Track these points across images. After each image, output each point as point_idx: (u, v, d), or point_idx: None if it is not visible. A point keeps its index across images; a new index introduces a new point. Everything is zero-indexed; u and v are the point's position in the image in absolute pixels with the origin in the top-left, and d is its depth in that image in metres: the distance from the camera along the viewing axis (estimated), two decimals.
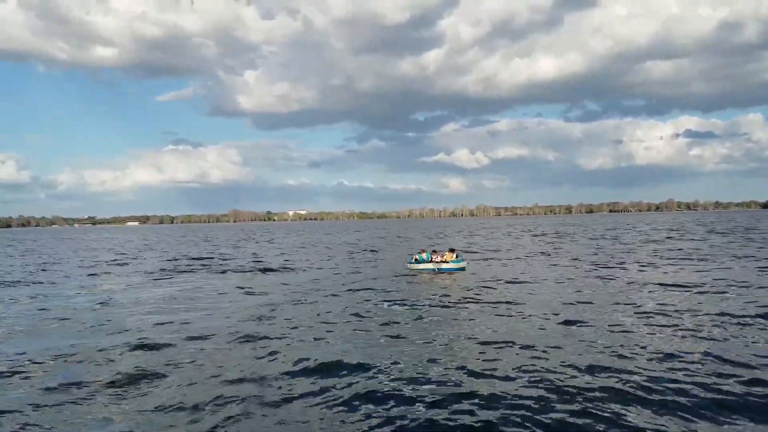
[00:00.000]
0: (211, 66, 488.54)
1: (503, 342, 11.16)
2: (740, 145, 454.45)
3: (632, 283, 19.68)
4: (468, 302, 16.29)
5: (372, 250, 43.21)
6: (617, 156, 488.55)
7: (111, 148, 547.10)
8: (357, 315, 14.57)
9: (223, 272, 27.89)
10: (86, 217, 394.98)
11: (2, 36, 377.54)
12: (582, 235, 61.27)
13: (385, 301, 16.95)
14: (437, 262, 24.90)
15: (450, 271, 24.47)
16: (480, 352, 10.47)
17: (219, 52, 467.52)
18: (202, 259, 37.27)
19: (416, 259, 25.94)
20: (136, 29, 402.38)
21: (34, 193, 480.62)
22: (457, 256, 26.37)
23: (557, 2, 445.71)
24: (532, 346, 10.70)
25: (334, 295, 18.47)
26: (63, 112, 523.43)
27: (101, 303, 17.82)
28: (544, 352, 10.33)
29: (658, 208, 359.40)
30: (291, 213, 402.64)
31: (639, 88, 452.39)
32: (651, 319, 13.06)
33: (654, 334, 11.50)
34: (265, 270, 28.39)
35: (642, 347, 10.44)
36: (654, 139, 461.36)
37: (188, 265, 32.65)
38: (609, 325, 12.38)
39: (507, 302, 16.09)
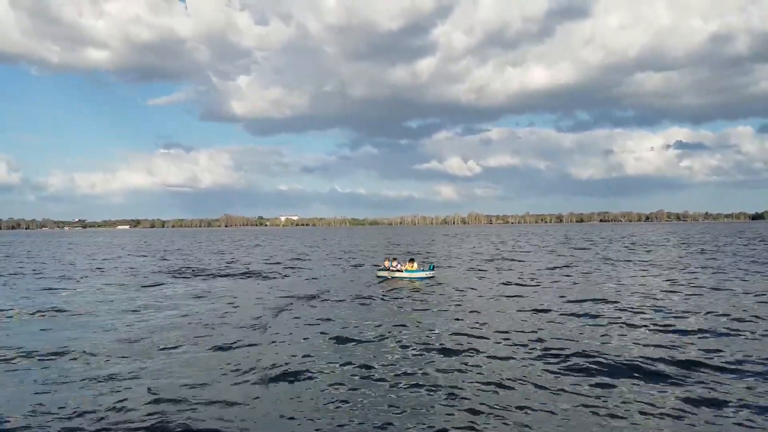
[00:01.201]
0: (204, 70, 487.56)
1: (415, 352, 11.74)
2: (730, 157, 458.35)
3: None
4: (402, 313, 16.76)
5: (353, 257, 43.81)
6: (608, 166, 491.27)
7: (102, 150, 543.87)
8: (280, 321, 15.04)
9: (188, 277, 28.33)
10: (77, 220, 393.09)
11: None
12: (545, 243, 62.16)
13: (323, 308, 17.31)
14: (391, 270, 25.84)
15: (411, 280, 25.04)
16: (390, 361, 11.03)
17: (212, 57, 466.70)
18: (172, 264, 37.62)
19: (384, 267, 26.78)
20: (129, 32, 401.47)
21: (25, 195, 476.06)
22: (432, 267, 26.92)
23: (550, 13, 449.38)
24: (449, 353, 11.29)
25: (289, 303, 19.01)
26: (54, 114, 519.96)
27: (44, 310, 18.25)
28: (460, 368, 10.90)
29: (648, 218, 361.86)
30: (283, 218, 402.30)
31: (630, 99, 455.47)
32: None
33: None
34: (239, 275, 28.85)
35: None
36: (644, 150, 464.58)
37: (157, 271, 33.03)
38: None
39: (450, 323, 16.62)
